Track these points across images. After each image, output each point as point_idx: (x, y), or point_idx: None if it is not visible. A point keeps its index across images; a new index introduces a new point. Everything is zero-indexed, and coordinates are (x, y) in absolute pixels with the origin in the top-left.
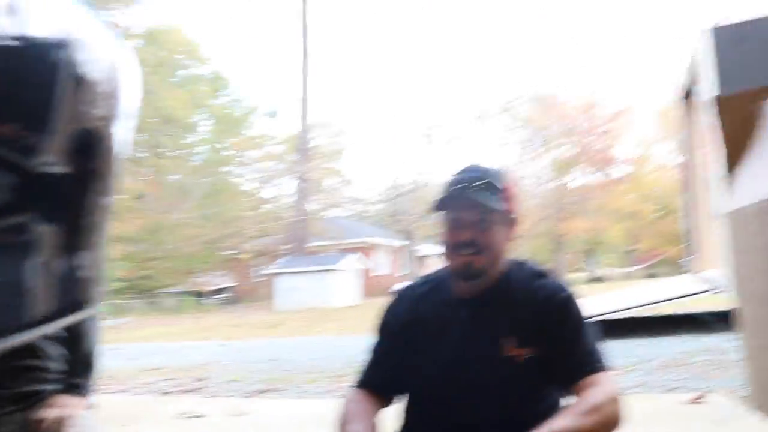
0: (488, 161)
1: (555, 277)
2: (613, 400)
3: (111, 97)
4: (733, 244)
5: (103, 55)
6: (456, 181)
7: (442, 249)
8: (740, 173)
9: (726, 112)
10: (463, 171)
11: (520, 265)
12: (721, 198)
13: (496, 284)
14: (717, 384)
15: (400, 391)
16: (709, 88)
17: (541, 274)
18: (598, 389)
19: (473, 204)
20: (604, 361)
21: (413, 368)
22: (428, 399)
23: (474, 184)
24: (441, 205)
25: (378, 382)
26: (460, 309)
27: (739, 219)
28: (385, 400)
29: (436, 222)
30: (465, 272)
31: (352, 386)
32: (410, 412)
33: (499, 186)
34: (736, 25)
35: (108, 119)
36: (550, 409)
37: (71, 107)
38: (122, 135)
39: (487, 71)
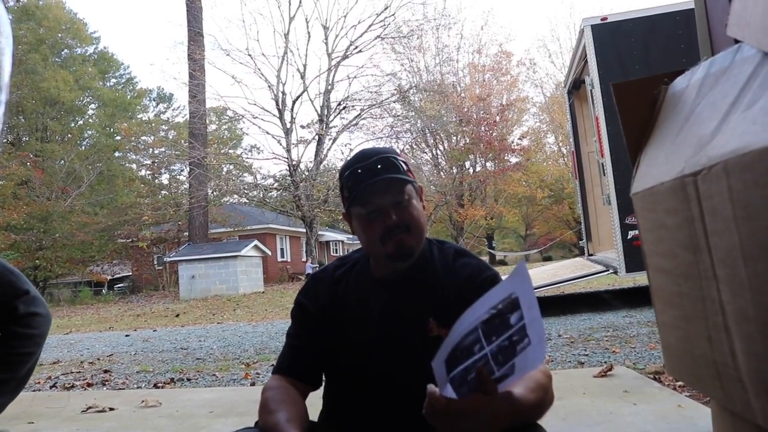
0: (376, 144)
1: (476, 257)
2: (549, 379)
3: None
4: (643, 224)
5: None
6: (361, 169)
7: (367, 240)
8: (647, 155)
9: (624, 98)
10: (362, 158)
11: (439, 245)
12: (622, 180)
13: (417, 264)
14: (619, 357)
15: (320, 376)
16: (592, 80)
17: (462, 253)
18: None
19: (389, 186)
20: None
21: (335, 351)
22: (352, 381)
23: (379, 167)
24: (357, 197)
25: (298, 368)
26: (382, 290)
27: (649, 198)
28: (306, 386)
29: (345, 212)
30: (400, 253)
31: (272, 373)
32: (333, 396)
33: (400, 160)
34: (615, 22)
35: None
36: None
37: None
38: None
39: (382, 60)
